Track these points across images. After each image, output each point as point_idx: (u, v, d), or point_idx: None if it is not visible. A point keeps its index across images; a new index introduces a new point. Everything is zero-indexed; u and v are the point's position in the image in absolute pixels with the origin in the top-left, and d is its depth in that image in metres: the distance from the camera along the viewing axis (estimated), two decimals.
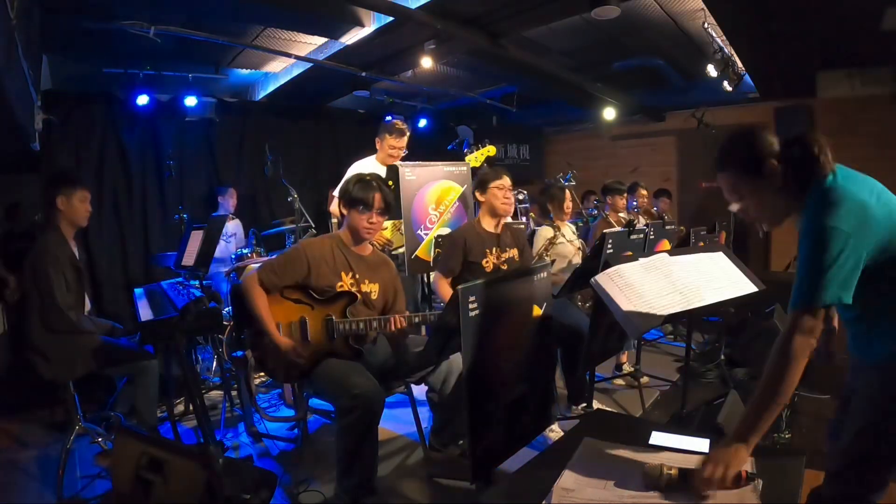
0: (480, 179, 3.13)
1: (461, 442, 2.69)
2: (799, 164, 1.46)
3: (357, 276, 2.46)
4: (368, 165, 3.72)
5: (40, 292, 2.55)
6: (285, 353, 2.31)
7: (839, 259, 1.33)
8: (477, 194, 3.14)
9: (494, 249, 3.04)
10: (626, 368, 3.84)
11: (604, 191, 4.72)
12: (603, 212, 4.66)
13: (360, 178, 2.46)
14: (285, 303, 2.39)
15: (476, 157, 4.14)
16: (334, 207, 3.73)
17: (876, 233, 1.38)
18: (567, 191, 3.86)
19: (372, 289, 2.52)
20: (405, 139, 3.76)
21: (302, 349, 2.35)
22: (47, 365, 2.56)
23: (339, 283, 2.42)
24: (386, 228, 3.56)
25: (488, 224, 3.10)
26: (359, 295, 2.43)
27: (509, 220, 3.31)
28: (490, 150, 4.22)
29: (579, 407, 3.14)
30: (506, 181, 3.06)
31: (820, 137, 1.47)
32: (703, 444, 1.33)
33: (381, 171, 3.59)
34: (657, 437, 1.40)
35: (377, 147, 3.81)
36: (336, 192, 3.86)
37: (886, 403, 1.45)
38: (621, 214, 4.49)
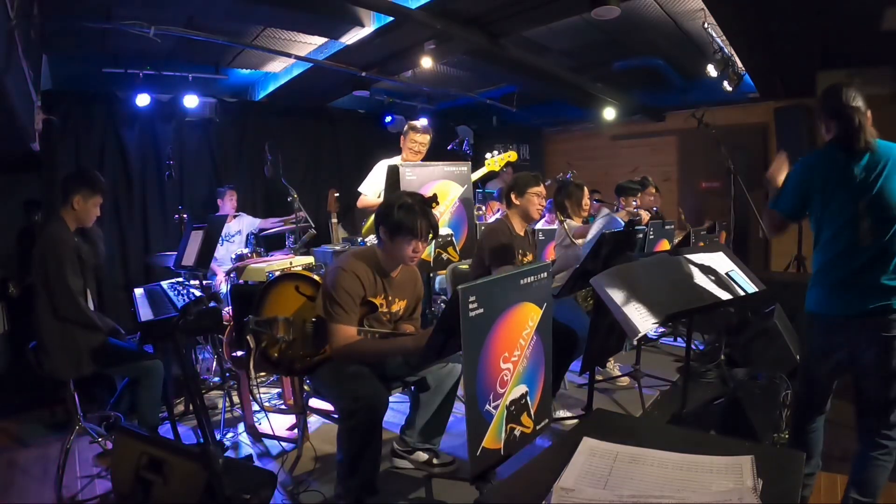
0: (520, 183, 3.12)
1: (432, 445, 2.61)
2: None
3: (389, 298, 2.43)
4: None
5: (49, 279, 2.57)
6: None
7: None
8: (513, 196, 3.13)
9: (519, 252, 3.07)
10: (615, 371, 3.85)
11: (617, 191, 4.73)
12: (614, 210, 4.67)
13: (403, 203, 2.26)
14: (302, 297, 2.37)
15: (497, 161, 4.18)
16: (365, 200, 3.75)
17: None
18: (585, 188, 3.86)
19: (400, 306, 2.50)
20: (427, 136, 3.87)
21: (312, 347, 2.33)
22: (52, 360, 2.56)
23: None
24: None
25: (518, 227, 3.13)
26: (380, 307, 2.39)
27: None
28: (511, 155, 4.26)
29: (560, 412, 3.14)
30: (542, 189, 3.10)
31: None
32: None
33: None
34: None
35: (401, 147, 3.89)
36: (363, 189, 3.88)
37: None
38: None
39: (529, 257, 3.14)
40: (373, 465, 2.22)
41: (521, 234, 3.15)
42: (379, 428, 2.21)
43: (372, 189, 3.89)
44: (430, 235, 2.33)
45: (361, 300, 2.27)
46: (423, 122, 3.93)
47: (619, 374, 3.84)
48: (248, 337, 2.30)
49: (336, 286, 2.24)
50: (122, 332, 2.99)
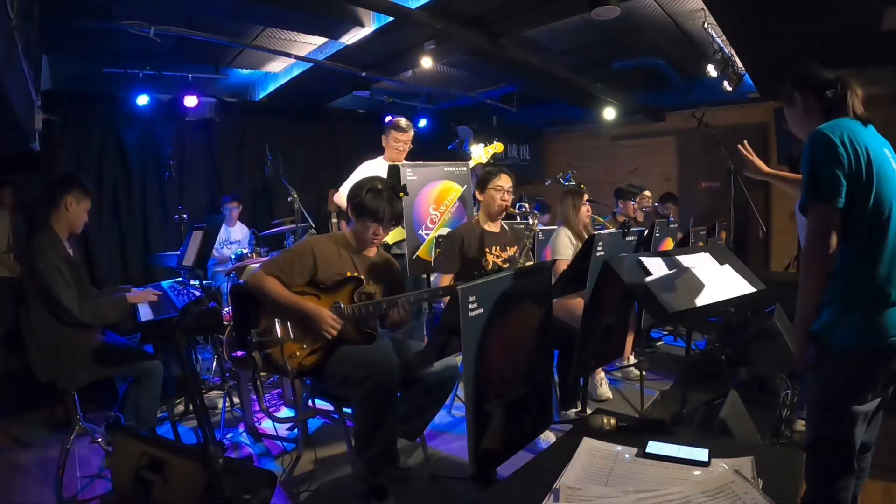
0: (481, 178, 3.13)
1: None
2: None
3: (362, 278, 2.47)
4: (376, 166, 3.72)
5: (41, 291, 2.55)
6: (323, 320, 2.26)
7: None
8: (476, 192, 3.15)
9: (494, 248, 3.04)
10: (632, 360, 3.85)
11: (616, 194, 4.77)
12: (613, 214, 4.73)
13: (373, 187, 2.42)
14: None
15: (484, 154, 4.14)
16: (340, 198, 3.74)
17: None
18: (585, 196, 3.81)
19: (376, 290, 2.52)
20: (410, 133, 3.82)
21: (312, 340, 2.33)
22: (49, 367, 2.55)
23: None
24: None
25: (486, 223, 3.11)
26: (364, 280, 2.45)
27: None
28: (497, 146, 4.19)
29: (570, 412, 3.13)
30: (504, 182, 3.06)
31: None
32: (701, 454, 1.32)
33: (385, 171, 3.61)
34: (654, 447, 1.39)
35: (383, 146, 3.85)
36: (342, 190, 3.88)
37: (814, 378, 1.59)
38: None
39: (511, 251, 3.10)
40: (390, 432, 2.19)
41: (495, 230, 3.11)
42: (394, 394, 2.20)
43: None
44: (393, 222, 2.50)
45: (311, 278, 2.37)
46: (404, 120, 3.86)
47: (630, 363, 3.84)
48: (253, 354, 2.28)
49: (289, 250, 2.47)
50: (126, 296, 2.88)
